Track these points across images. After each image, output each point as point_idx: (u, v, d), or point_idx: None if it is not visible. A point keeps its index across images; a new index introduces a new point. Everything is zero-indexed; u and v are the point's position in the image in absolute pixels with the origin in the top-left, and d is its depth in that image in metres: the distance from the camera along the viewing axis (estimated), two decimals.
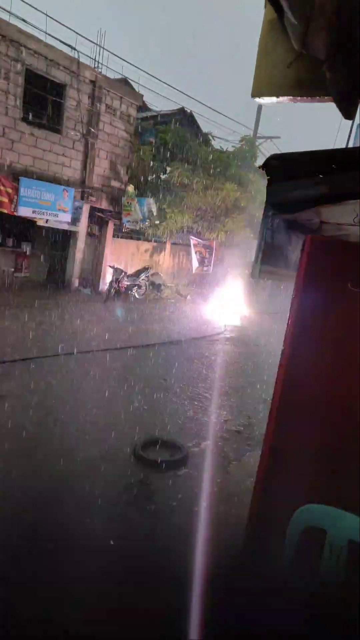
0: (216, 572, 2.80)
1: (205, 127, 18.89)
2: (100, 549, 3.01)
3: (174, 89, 16.68)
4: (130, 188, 14.55)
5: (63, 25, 12.35)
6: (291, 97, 2.41)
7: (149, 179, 16.18)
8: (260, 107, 22.06)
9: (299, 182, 2.53)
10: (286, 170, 2.59)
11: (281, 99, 2.44)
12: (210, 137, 18.68)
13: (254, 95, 2.48)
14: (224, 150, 17.89)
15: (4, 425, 4.65)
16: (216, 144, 18.10)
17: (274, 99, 2.45)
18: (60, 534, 3.11)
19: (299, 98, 2.39)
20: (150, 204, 15.41)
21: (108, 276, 14.30)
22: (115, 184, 14.45)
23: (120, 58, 13.85)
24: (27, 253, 13.16)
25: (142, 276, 14.66)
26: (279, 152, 3.29)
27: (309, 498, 2.20)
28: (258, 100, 2.51)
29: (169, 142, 15.43)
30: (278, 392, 2.46)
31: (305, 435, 2.34)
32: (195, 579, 2.72)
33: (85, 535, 3.10)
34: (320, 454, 2.28)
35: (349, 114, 2.18)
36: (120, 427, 4.93)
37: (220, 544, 3.20)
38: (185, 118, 18.28)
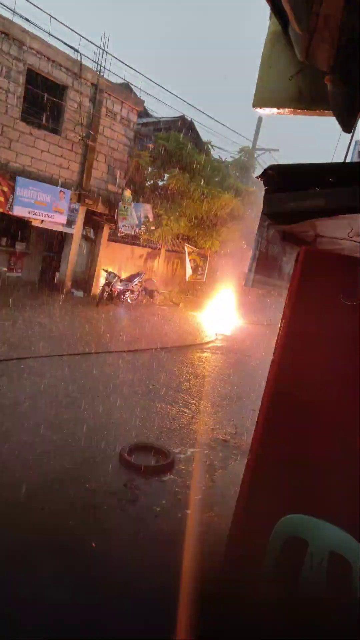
0: (197, 580, 2.78)
1: (205, 136, 19.01)
2: (81, 552, 2.97)
3: (176, 96, 16.81)
4: (128, 193, 14.57)
5: (67, 26, 12.38)
6: (291, 109, 2.44)
7: (147, 184, 16.23)
8: (260, 119, 22.35)
9: (296, 194, 2.55)
10: (284, 181, 2.61)
11: (281, 110, 2.47)
12: (210, 146, 18.82)
13: (254, 106, 2.51)
14: (223, 160, 18.04)
15: None
16: (215, 153, 18.25)
17: (274, 110, 2.47)
18: (40, 534, 3.07)
19: (299, 111, 2.41)
20: (147, 209, 15.44)
21: (101, 280, 14.27)
22: (112, 188, 14.47)
23: (123, 63, 13.92)
24: (21, 253, 13.11)
25: (136, 281, 14.65)
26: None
27: (292, 508, 2.19)
28: (258, 110, 2.54)
29: (168, 149, 15.50)
30: (266, 402, 2.46)
31: (291, 446, 2.34)
32: (175, 587, 2.70)
33: (68, 537, 3.06)
34: (305, 465, 2.28)
35: (348, 128, 2.20)
36: (107, 431, 4.89)
37: (202, 551, 3.18)
38: (185, 126, 18.40)
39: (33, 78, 11.71)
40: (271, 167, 2.66)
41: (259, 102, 2.45)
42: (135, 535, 3.30)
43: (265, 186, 2.68)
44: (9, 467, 3.88)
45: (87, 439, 4.63)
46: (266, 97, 2.44)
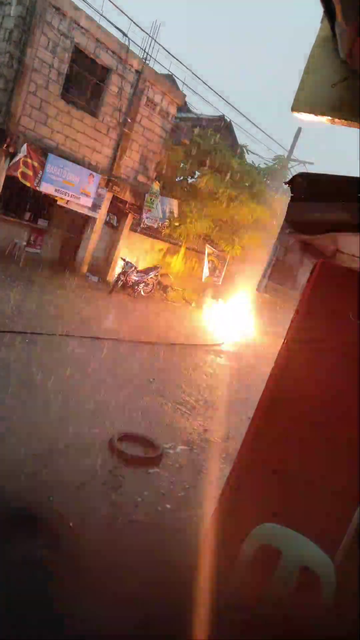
0: (164, 579, 2.77)
1: (241, 139, 18.93)
2: (57, 529, 2.98)
3: (218, 95, 16.71)
4: (156, 185, 14.58)
5: (119, 9, 12.35)
6: (330, 117, 2.41)
7: (176, 180, 16.21)
8: (299, 130, 22.14)
9: (321, 205, 2.52)
10: (311, 191, 2.58)
11: (320, 118, 2.44)
12: (245, 150, 18.72)
13: (293, 110, 2.48)
14: (256, 165, 17.93)
15: None
16: (249, 158, 18.12)
17: (312, 117, 2.44)
18: (20, 508, 3.08)
19: (338, 120, 2.38)
20: (173, 204, 15.43)
21: (118, 268, 14.30)
22: (141, 178, 14.48)
23: (170, 54, 13.76)
24: (42, 230, 13.18)
25: (151, 274, 14.65)
26: None
27: (270, 518, 2.17)
28: (296, 115, 2.51)
29: (202, 147, 15.45)
30: (260, 410, 2.43)
31: (278, 456, 2.32)
32: (145, 575, 2.69)
33: (46, 513, 3.07)
34: (290, 477, 2.25)
35: None
36: (101, 418, 4.90)
37: (175, 549, 3.17)
38: (223, 126, 18.34)
39: (78, 57, 11.73)
40: (300, 175, 2.63)
41: (298, 106, 2.43)
42: (113, 520, 3.30)
43: (291, 193, 2.65)
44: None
45: (81, 421, 4.64)
46: (306, 101, 2.41)
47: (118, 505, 3.50)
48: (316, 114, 2.41)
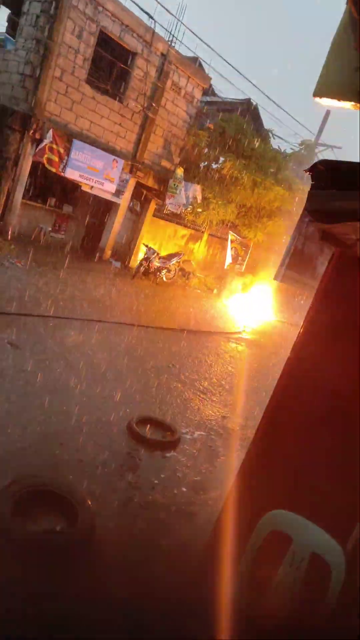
0: (176, 556, 2.85)
1: (267, 123, 18.53)
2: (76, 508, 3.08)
3: (245, 77, 16.33)
4: (180, 170, 14.46)
5: None
6: (354, 102, 2.35)
7: (201, 165, 16.04)
8: (328, 113, 21.54)
9: (343, 193, 2.48)
10: (333, 178, 2.54)
11: (343, 103, 2.38)
12: (271, 135, 18.35)
13: (315, 95, 2.43)
14: (282, 150, 17.59)
15: (15, 372, 4.77)
16: (274, 143, 17.78)
17: (335, 102, 2.39)
18: (41, 484, 3.20)
19: None
20: (197, 190, 15.29)
21: (140, 254, 14.34)
22: (165, 163, 14.40)
23: (196, 35, 13.45)
24: (67, 215, 13.30)
25: (174, 260, 14.63)
26: None
27: (282, 504, 2.20)
28: (319, 100, 2.46)
29: (228, 132, 15.20)
30: (275, 397, 2.45)
31: (292, 443, 2.34)
32: (155, 559, 2.77)
33: (65, 491, 3.17)
34: (303, 464, 2.27)
35: None
36: (121, 401, 5.00)
37: (188, 532, 3.25)
38: (249, 110, 17.99)
39: (103, 41, 11.64)
40: (322, 162, 2.58)
41: (320, 91, 2.38)
42: (129, 501, 3.39)
43: (312, 181, 2.61)
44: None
45: (103, 402, 4.75)
46: (329, 87, 2.36)
47: (135, 487, 3.59)
48: (340, 100, 2.36)
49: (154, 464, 4.03)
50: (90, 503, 3.03)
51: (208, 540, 2.69)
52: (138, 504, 3.39)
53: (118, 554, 2.85)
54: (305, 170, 2.62)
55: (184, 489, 3.81)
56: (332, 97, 2.47)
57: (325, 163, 2.59)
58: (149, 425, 4.64)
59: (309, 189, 2.60)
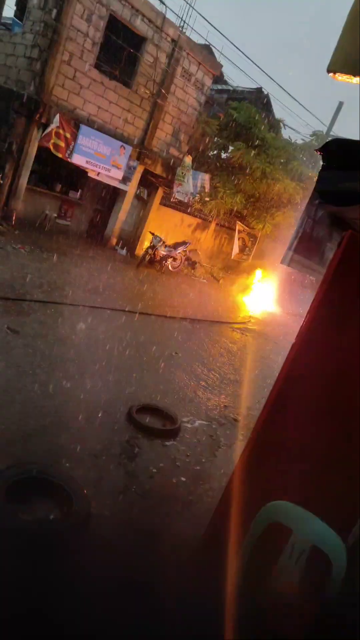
0: (170, 552, 2.79)
1: (279, 113, 18.25)
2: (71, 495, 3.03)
3: (257, 66, 16.05)
4: (188, 159, 14.28)
5: None
6: None
7: (209, 154, 15.83)
8: (340, 104, 21.15)
9: (354, 173, 2.37)
10: (345, 159, 2.43)
11: (357, 79, 2.26)
12: (282, 125, 18.04)
13: (329, 70, 2.31)
14: (293, 141, 17.30)
15: (14, 356, 4.72)
16: (285, 133, 17.49)
17: (350, 78, 2.27)
18: (37, 471, 3.15)
19: None
20: (205, 179, 15.11)
21: (146, 242, 14.23)
22: (173, 151, 14.21)
23: (208, 22, 13.18)
24: (73, 202, 13.19)
25: (180, 249, 14.51)
26: None
27: (283, 495, 2.12)
28: (333, 76, 2.34)
29: (238, 121, 14.95)
30: (277, 385, 2.37)
31: (294, 433, 2.25)
32: (151, 549, 2.71)
33: (61, 478, 3.12)
34: (304, 454, 2.19)
35: None
36: (121, 388, 4.94)
37: (186, 522, 3.19)
38: (260, 99, 17.70)
39: (113, 25, 11.44)
40: (334, 141, 2.47)
41: (335, 66, 2.26)
42: (126, 490, 3.34)
43: (323, 161, 2.51)
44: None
45: (104, 389, 4.69)
46: (344, 62, 2.23)
47: (133, 475, 3.53)
48: (355, 75, 2.24)
49: (154, 453, 3.97)
50: (85, 491, 2.97)
51: (207, 529, 2.63)
52: (135, 492, 3.34)
53: (113, 543, 2.80)
54: (316, 150, 2.51)
55: (183, 479, 3.75)
56: (347, 73, 2.35)
57: (338, 142, 2.48)
58: (149, 414, 4.58)
59: (319, 170, 2.50)
